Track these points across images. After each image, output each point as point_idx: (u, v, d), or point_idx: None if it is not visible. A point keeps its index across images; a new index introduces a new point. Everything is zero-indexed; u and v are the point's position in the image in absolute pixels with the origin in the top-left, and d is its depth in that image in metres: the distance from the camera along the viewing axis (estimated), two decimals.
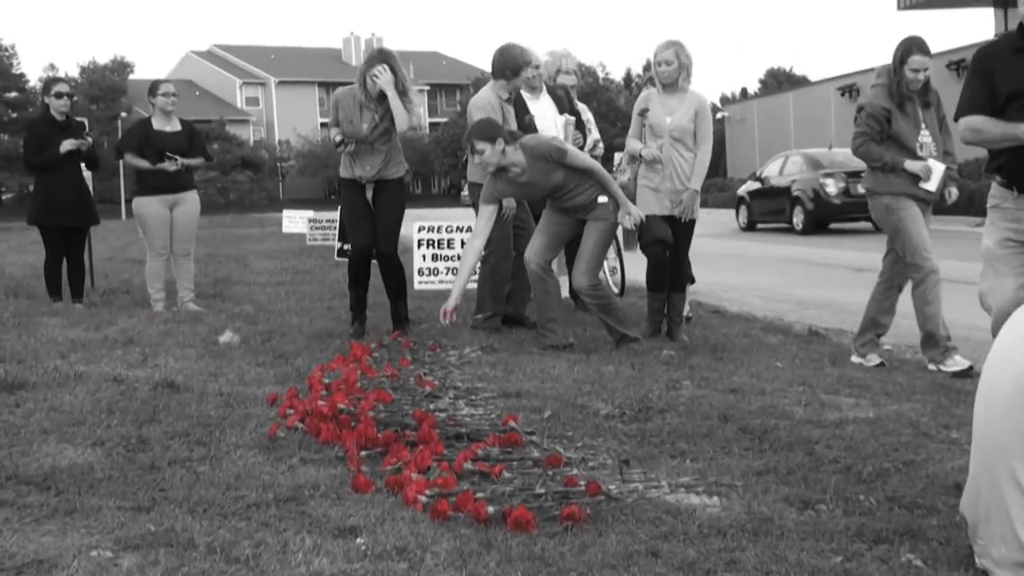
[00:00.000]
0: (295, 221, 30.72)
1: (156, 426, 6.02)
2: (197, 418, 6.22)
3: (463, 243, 13.00)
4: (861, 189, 11.38)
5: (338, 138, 9.47)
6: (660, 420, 6.15)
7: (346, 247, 15.84)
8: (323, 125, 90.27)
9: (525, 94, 10.94)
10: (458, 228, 13.23)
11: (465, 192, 11.99)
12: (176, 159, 11.48)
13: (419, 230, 13.21)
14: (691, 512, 4.48)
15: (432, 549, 4.06)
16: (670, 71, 9.29)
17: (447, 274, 13.06)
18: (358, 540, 4.17)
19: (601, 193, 8.84)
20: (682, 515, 4.43)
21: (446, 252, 13.19)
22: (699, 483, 4.90)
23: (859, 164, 9.88)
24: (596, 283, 8.88)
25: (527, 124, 10.44)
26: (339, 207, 17.25)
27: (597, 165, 8.95)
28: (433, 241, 13.20)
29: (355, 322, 9.63)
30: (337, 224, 17.39)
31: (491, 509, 4.40)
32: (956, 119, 6.07)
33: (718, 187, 51.18)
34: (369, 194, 9.56)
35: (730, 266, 18.55)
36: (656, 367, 7.90)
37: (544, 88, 10.85)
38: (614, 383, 7.23)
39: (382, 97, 9.37)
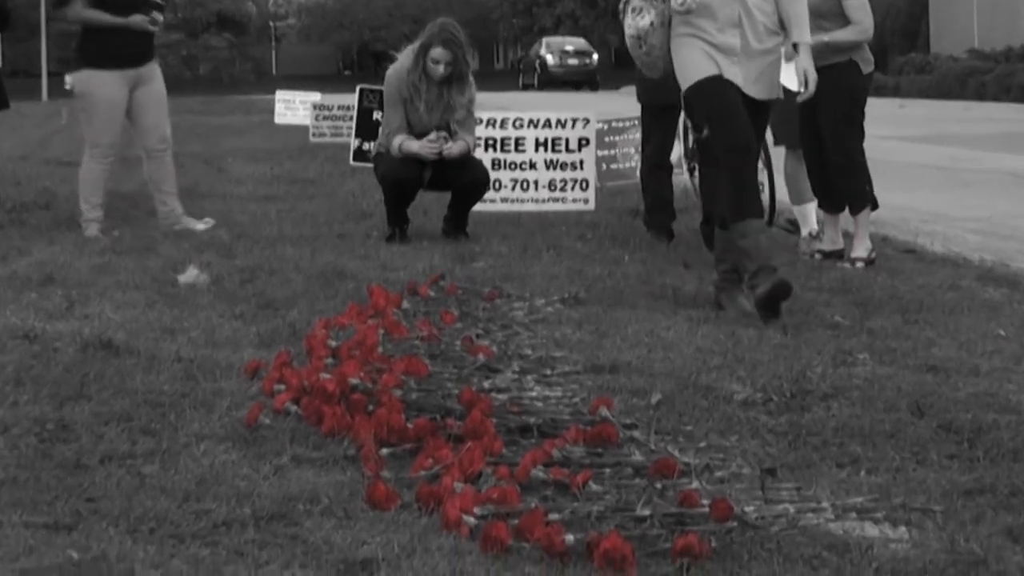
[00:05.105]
0: (294, 107, 30.80)
1: (84, 405, 6.08)
2: (144, 395, 6.27)
3: (538, 144, 12.91)
4: None
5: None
6: (823, 411, 6.14)
7: (366, 147, 15.81)
8: None
9: None
10: (531, 122, 13.04)
11: None
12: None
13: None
14: (866, 549, 4.47)
15: None
16: None
17: (514, 189, 12.94)
18: None
19: None
20: (852, 553, 4.43)
21: (512, 157, 12.96)
22: (879, 506, 4.88)
23: None
24: None
25: None
26: (358, 88, 17.30)
27: None
28: (495, 141, 12.98)
29: (393, 234, 11.40)
30: (355, 113, 17.32)
31: (571, 538, 4.41)
32: None
33: (916, 67, 50.71)
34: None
35: (936, 183, 18.35)
36: (819, 332, 7.87)
37: None
38: (755, 354, 7.22)
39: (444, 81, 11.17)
